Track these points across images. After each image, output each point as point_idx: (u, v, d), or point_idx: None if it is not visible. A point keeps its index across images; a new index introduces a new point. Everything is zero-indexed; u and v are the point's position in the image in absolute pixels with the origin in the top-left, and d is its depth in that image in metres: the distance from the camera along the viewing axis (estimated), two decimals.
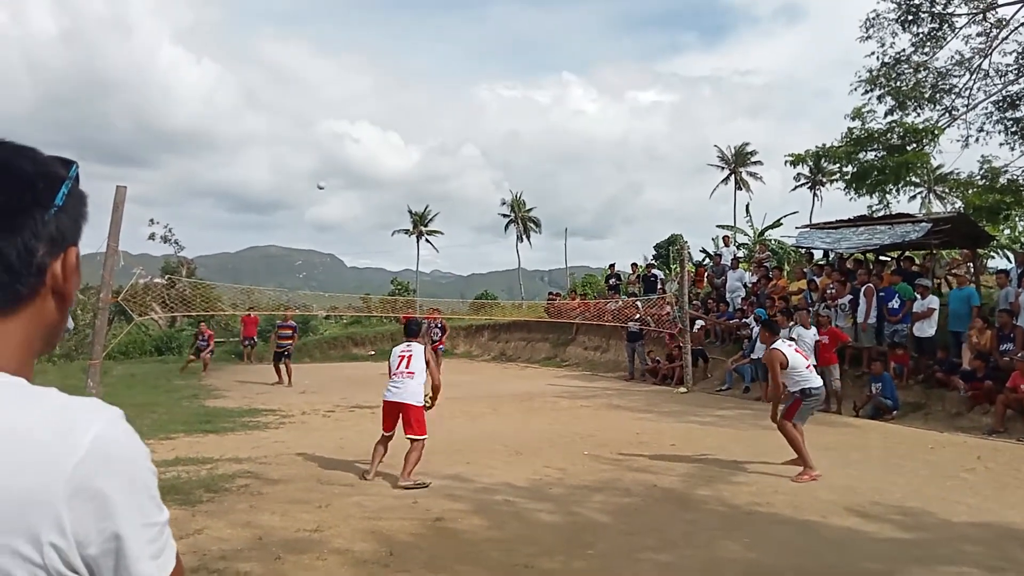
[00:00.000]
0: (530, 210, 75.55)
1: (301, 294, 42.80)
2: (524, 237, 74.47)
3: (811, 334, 12.12)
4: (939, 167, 25.80)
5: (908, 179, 18.91)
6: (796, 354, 7.83)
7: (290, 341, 16.91)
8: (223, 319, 27.17)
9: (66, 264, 0.92)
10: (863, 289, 13.53)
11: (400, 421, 7.13)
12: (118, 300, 15.88)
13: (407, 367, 7.22)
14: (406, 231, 75.51)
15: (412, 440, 7.02)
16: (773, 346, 7.88)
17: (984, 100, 16.98)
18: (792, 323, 12.69)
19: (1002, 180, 16.98)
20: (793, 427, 7.57)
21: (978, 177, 17.84)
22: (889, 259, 16.11)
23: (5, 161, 0.87)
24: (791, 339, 9.17)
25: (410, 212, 75.94)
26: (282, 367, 16.43)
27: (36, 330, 0.91)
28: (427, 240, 75.59)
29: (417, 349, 7.37)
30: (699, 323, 17.33)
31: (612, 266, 25.33)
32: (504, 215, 75.26)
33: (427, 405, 7.21)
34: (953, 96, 17.24)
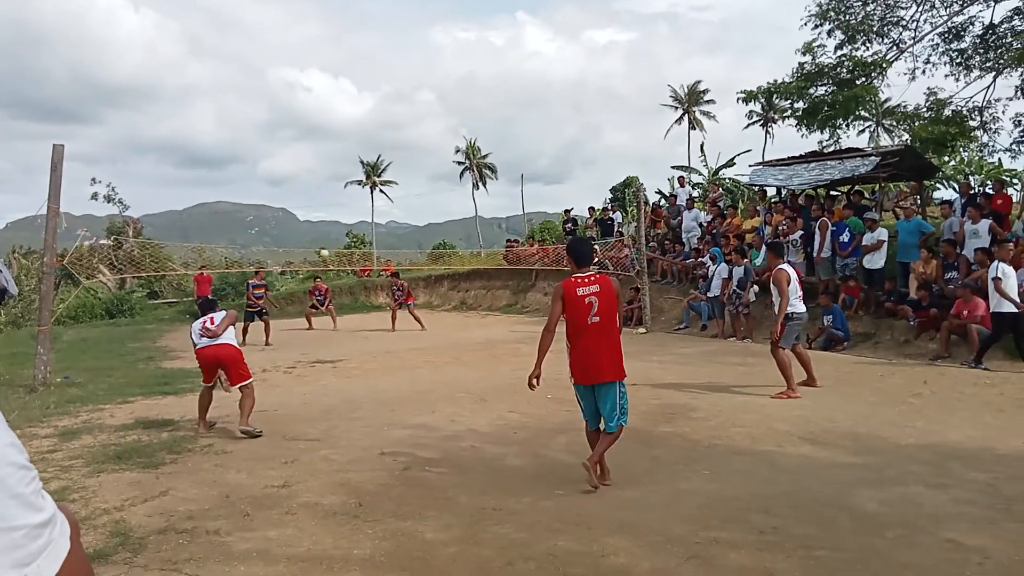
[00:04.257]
0: (485, 156, 74.67)
1: (254, 250, 41.96)
2: (480, 184, 73.76)
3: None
4: (887, 100, 26.15)
5: (857, 113, 19.12)
6: (795, 280, 8.66)
7: (263, 301, 17.52)
8: (175, 279, 26.59)
9: None
10: (818, 223, 13.77)
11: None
12: (63, 264, 15.40)
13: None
14: (359, 182, 74.14)
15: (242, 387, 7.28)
16: (780, 266, 8.58)
17: (930, 32, 17.17)
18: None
19: (947, 112, 17.29)
20: (783, 351, 8.38)
21: (924, 109, 18.11)
22: (839, 194, 16.41)
23: None
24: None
25: (362, 163, 74.47)
26: (252, 325, 16.72)
27: None
28: (381, 191, 74.45)
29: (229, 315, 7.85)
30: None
31: (568, 211, 25.38)
32: (459, 163, 74.34)
33: None
34: (900, 28, 17.38)
